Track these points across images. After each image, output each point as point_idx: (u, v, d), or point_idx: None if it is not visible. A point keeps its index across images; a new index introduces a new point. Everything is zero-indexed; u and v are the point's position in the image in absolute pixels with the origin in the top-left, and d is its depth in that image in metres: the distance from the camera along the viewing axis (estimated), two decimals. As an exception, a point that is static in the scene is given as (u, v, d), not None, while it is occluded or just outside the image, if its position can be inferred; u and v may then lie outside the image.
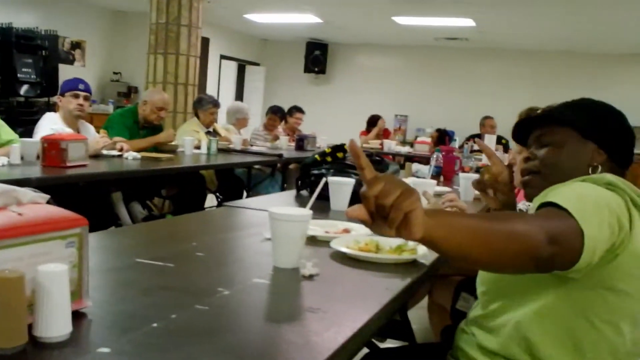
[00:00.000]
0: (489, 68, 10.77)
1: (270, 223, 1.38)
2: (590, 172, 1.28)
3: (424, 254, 1.54)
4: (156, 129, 4.41)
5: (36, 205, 0.99)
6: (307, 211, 1.39)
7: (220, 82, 11.07)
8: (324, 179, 1.54)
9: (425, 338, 2.99)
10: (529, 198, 1.35)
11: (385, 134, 8.37)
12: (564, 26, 8.23)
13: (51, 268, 0.88)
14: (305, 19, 8.87)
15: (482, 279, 1.36)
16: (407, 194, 0.84)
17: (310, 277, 1.31)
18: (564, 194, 1.10)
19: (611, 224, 1.06)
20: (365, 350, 1.68)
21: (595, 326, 1.14)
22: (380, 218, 0.85)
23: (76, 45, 8.60)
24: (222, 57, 10.99)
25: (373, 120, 8.28)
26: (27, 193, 0.99)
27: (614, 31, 8.28)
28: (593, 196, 1.10)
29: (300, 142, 6.01)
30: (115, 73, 9.30)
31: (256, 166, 5.44)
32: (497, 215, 1.11)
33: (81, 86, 3.69)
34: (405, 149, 7.19)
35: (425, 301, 2.76)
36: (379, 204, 0.84)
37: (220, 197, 5.33)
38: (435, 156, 3.47)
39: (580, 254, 1.00)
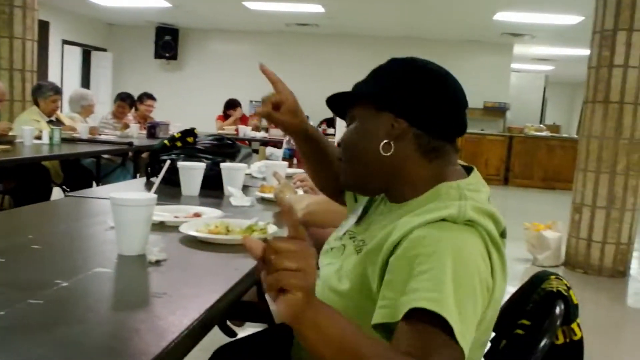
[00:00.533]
0: (339, 53, 11.10)
1: (112, 209, 1.32)
2: (381, 150, 1.09)
3: (274, 232, 1.56)
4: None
5: None
6: (150, 195, 1.34)
7: (64, 68, 10.38)
8: (167, 161, 1.49)
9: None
10: (342, 186, 1.24)
11: (243, 120, 8.34)
12: (404, 13, 8.67)
13: None
14: (154, 2, 8.56)
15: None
16: (302, 275, 0.77)
17: (157, 262, 1.28)
18: (434, 280, 0.90)
19: (483, 300, 0.96)
20: (223, 340, 1.67)
21: None
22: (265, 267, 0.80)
23: None
24: (65, 42, 10.31)
25: (231, 104, 8.21)
26: None
27: (452, 19, 8.87)
28: (467, 277, 0.92)
29: (152, 129, 5.81)
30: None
31: (105, 156, 5.18)
32: (378, 350, 0.84)
33: None
34: (261, 134, 7.21)
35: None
36: (270, 259, 0.79)
37: (68, 189, 5.02)
38: (287, 139, 3.51)
39: None
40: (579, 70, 11.19)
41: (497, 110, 11.50)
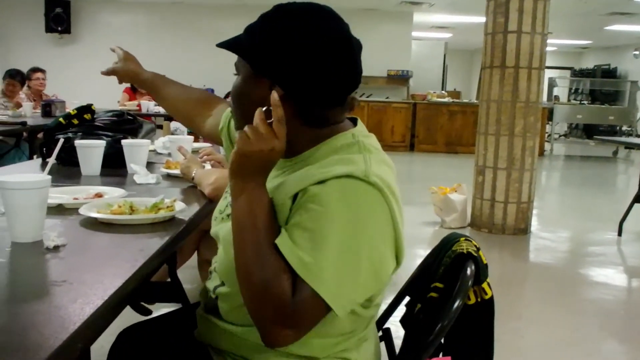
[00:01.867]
0: (236, 24, 10.77)
1: (1, 194, 1.21)
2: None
3: (182, 209, 1.50)
4: None
5: None
6: (44, 176, 1.25)
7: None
8: (61, 139, 1.39)
9: (198, 297, 2.97)
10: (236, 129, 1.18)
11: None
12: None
13: None
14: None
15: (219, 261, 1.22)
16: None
17: (56, 248, 1.19)
18: (315, 243, 0.96)
19: (374, 264, 0.99)
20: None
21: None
22: None
23: None
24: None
25: None
26: None
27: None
28: (355, 244, 0.97)
29: (47, 107, 5.48)
30: None
31: (-4, 137, 4.85)
32: (266, 257, 0.97)
33: None
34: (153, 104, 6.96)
35: (195, 259, 2.73)
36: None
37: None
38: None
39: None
40: (476, 37, 11.61)
41: (400, 78, 11.74)
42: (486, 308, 1.19)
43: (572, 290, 3.76)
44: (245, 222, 1.00)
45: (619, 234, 5.10)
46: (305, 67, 1.02)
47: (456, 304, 1.08)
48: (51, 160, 1.35)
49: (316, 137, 1.09)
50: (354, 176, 0.99)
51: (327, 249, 0.95)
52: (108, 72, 1.81)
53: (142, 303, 2.34)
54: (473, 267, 1.16)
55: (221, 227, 1.20)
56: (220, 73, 10.14)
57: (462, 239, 1.25)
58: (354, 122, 1.16)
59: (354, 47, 1.07)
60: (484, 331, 1.19)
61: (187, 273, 3.19)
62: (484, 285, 1.18)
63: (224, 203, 1.26)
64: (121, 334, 1.38)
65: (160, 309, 2.86)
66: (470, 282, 1.14)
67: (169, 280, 2.32)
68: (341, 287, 0.96)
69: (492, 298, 1.20)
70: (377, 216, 1.00)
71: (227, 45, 1.11)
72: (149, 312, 2.47)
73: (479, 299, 1.18)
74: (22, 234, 1.22)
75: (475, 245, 1.23)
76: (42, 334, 0.81)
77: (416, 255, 4.20)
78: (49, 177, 1.25)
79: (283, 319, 0.95)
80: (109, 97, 8.34)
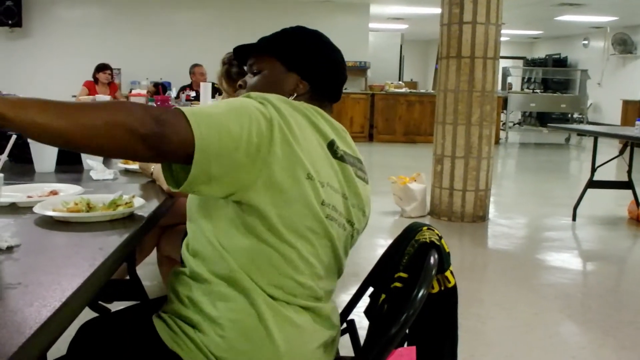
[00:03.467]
0: (191, 16, 10.79)
1: (-50, 194, 1.17)
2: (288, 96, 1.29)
3: (141, 205, 1.47)
4: None
5: None
6: (-6, 176, 1.20)
7: None
8: (13, 136, 1.34)
9: (159, 293, 2.93)
10: None
11: (112, 87, 7.88)
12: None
13: None
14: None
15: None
16: None
17: (9, 249, 1.15)
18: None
19: (241, 124, 1.08)
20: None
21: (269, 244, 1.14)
22: None
23: None
24: None
25: (102, 67, 7.73)
26: None
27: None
28: (225, 103, 1.13)
29: (-3, 103, 5.30)
30: None
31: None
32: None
33: None
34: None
35: (154, 256, 2.69)
36: None
37: None
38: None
39: (191, 141, 1.02)
40: (431, 28, 11.71)
41: (358, 70, 11.77)
42: (450, 296, 1.20)
43: (531, 275, 3.85)
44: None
45: (574, 218, 5.24)
46: (323, 67, 1.35)
47: (421, 293, 1.09)
48: (3, 158, 1.30)
49: None
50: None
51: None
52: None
53: (100, 302, 2.29)
54: (436, 255, 1.17)
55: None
56: (174, 67, 10.03)
57: (425, 228, 1.26)
58: None
59: (344, 60, 1.41)
60: (448, 319, 1.21)
61: (147, 270, 3.14)
62: (447, 273, 1.20)
63: None
64: (82, 328, 1.35)
65: (118, 308, 2.82)
66: (434, 271, 1.14)
67: (127, 278, 2.28)
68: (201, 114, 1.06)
69: (455, 286, 1.21)
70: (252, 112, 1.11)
71: (257, 46, 1.35)
72: (108, 311, 2.42)
73: (442, 288, 1.20)
74: (-27, 235, 1.17)
75: (438, 234, 1.24)
76: (-3, 339, 0.77)
77: (377, 245, 4.23)
78: (1, 175, 1.21)
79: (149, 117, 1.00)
80: (62, 92, 8.14)
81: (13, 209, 1.47)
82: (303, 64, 1.32)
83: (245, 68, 1.40)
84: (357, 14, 11.65)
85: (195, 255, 1.21)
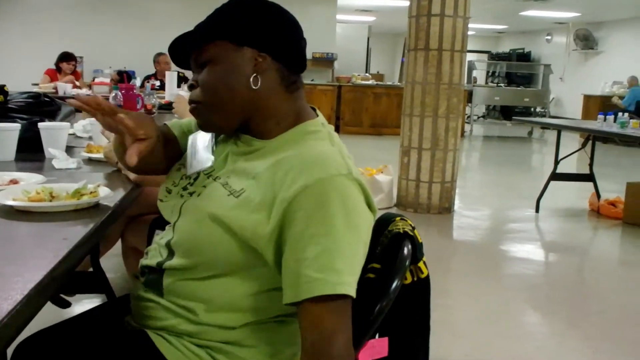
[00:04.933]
0: (161, 4, 10.61)
1: None
2: (251, 84, 1.10)
3: (106, 195, 1.42)
4: None
5: None
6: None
7: None
8: (-29, 122, 1.28)
9: (124, 286, 2.88)
10: (203, 128, 1.18)
11: (76, 76, 7.69)
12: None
13: None
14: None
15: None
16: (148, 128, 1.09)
17: (-32, 240, 1.10)
18: (327, 254, 0.97)
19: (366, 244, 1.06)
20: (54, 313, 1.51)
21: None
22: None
23: None
24: None
25: (65, 57, 7.52)
26: None
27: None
28: (356, 230, 1.02)
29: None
30: None
31: None
32: None
33: None
34: (84, 91, 6.69)
35: (118, 249, 2.63)
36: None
37: None
38: (114, 94, 3.27)
39: None
40: (399, 21, 11.75)
41: (325, 61, 11.75)
42: (422, 287, 1.19)
43: (496, 266, 3.90)
44: None
45: (537, 210, 5.34)
46: (281, 30, 1.13)
47: (394, 284, 1.08)
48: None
49: (291, 114, 1.14)
50: (342, 174, 1.02)
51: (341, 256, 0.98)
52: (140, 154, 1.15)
53: (62, 295, 2.23)
54: (410, 246, 1.16)
55: (183, 202, 1.17)
56: (138, 55, 9.84)
57: (398, 218, 1.25)
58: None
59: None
60: (420, 310, 1.20)
61: (110, 262, 3.08)
62: (420, 264, 1.19)
63: (178, 175, 1.24)
64: (21, 345, 1.23)
65: (81, 301, 2.75)
66: (407, 262, 1.14)
67: (91, 270, 2.22)
68: (352, 270, 1.00)
69: (428, 277, 1.20)
70: (364, 213, 1.05)
71: (197, 34, 1.14)
72: (68, 304, 2.36)
73: (415, 278, 1.19)
74: None
75: (411, 225, 1.23)
76: (-45, 333, 0.74)
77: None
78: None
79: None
80: (23, 79, 7.92)
81: (-30, 198, 1.41)
82: (257, 33, 1.11)
83: (191, 68, 1.19)
84: (325, 5, 11.62)
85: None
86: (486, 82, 16.54)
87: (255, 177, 1.07)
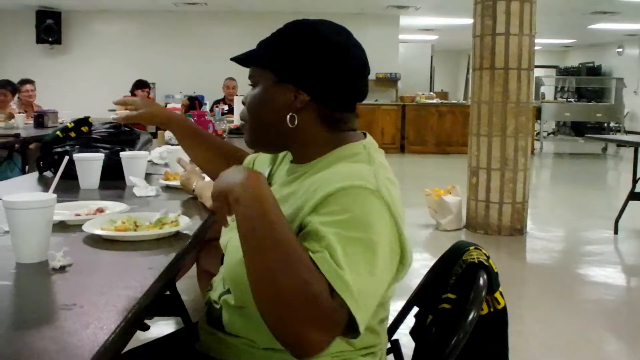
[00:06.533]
0: (228, 31, 10.92)
1: (6, 214, 1.19)
2: (289, 121, 1.10)
3: (186, 224, 1.48)
4: None
5: None
6: (49, 195, 1.23)
7: None
8: (66, 157, 1.37)
9: (197, 307, 2.95)
10: (248, 145, 1.21)
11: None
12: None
13: None
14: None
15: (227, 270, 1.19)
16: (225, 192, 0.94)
17: (62, 268, 1.17)
18: (340, 249, 0.93)
19: (388, 262, 1.00)
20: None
21: None
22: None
23: None
24: None
25: (140, 84, 7.88)
26: None
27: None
28: (371, 244, 0.96)
29: (40, 118, 5.45)
30: None
31: (-12, 150, 4.81)
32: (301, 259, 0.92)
33: None
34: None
35: (193, 270, 2.71)
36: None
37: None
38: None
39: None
40: (461, 39, 11.64)
41: (388, 81, 11.77)
42: (499, 318, 1.18)
43: (573, 291, 3.77)
44: (264, 232, 0.92)
45: (615, 232, 5.12)
46: (326, 71, 1.09)
47: (471, 316, 1.08)
48: (56, 178, 1.33)
49: (331, 143, 1.12)
50: (367, 188, 0.98)
51: (356, 266, 0.93)
52: (129, 118, 1.67)
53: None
54: (485, 276, 1.15)
55: (230, 238, 1.19)
56: (207, 80, 10.13)
57: (472, 247, 1.24)
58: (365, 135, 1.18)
59: (363, 55, 1.15)
60: (497, 341, 1.19)
61: (185, 284, 3.16)
62: (497, 294, 1.18)
63: None
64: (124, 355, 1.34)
65: (156, 322, 2.84)
66: (483, 292, 1.13)
67: (167, 293, 2.29)
68: (366, 307, 0.94)
69: (505, 307, 1.19)
70: (388, 229, 0.99)
71: (246, 58, 1.15)
72: (147, 327, 2.43)
73: (491, 309, 1.18)
74: (28, 254, 1.20)
75: (485, 254, 1.23)
76: (58, 362, 0.79)
77: (413, 259, 4.19)
78: (55, 195, 1.23)
79: (321, 320, 0.89)
80: (99, 106, 8.30)
81: (62, 227, 1.50)
82: (295, 70, 1.09)
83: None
84: (387, 25, 11.67)
85: None
86: (555, 98, 16.11)
87: (287, 201, 1.08)
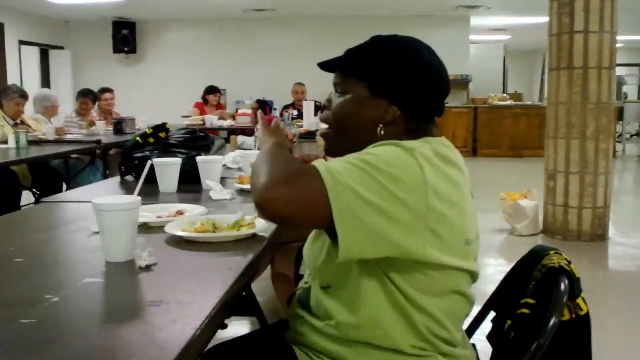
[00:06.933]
0: (298, 36, 11.04)
1: (96, 215, 1.26)
2: (379, 131, 1.17)
3: (262, 227, 1.52)
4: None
5: None
6: (135, 197, 1.29)
7: (22, 69, 10.08)
8: (149, 162, 1.45)
9: (271, 309, 3.00)
10: (328, 152, 1.28)
11: (219, 107, 8.26)
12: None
13: None
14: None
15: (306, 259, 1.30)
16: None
17: (148, 267, 1.23)
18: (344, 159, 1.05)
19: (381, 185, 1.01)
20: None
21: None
22: None
23: None
24: (21, 42, 10.01)
25: (212, 90, 8.12)
26: None
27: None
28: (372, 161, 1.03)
29: (118, 125, 5.69)
30: None
31: (73, 155, 5.06)
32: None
33: None
34: (228, 123, 7.12)
35: (268, 271, 2.76)
36: None
37: (37, 192, 4.88)
38: (258, 127, 3.45)
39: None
40: (536, 38, 11.34)
41: (459, 83, 11.56)
42: (582, 324, 1.15)
43: (657, 299, 3.59)
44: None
45: (703, 238, 4.85)
46: (421, 89, 1.17)
47: (552, 321, 1.05)
48: (140, 182, 1.39)
49: None
50: (400, 145, 1.06)
51: (348, 169, 1.01)
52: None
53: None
54: (567, 281, 1.13)
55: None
56: (277, 85, 10.29)
57: (552, 252, 1.22)
58: None
59: (444, 71, 1.23)
60: (580, 349, 1.16)
61: (260, 286, 3.23)
62: (579, 300, 1.15)
63: None
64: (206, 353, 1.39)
65: (232, 322, 2.91)
66: (564, 298, 1.10)
67: (243, 293, 2.35)
68: (339, 184, 1.00)
69: (587, 314, 1.16)
70: (409, 178, 1.02)
71: (335, 65, 1.23)
72: (225, 325, 2.50)
73: (573, 315, 1.15)
74: (116, 253, 1.26)
75: (566, 259, 1.20)
76: (149, 355, 0.83)
77: (487, 264, 4.11)
78: (139, 198, 1.30)
79: (286, 175, 1.02)
80: (173, 113, 8.59)
81: (145, 228, 1.56)
82: (391, 87, 1.17)
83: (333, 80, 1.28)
84: (458, 26, 11.47)
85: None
86: (639, 98, 15.39)
87: None
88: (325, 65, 1.24)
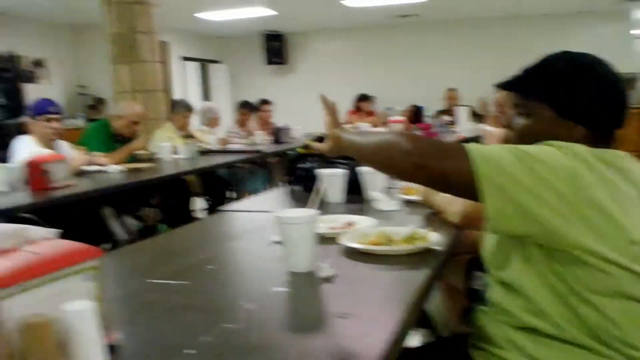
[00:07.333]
0: (443, 40, 10.84)
1: (280, 227, 1.34)
2: None
3: (437, 240, 1.52)
4: (131, 139, 4.33)
5: (48, 242, 0.95)
6: (314, 211, 1.36)
7: (186, 83, 10.93)
8: (321, 179, 1.50)
9: (441, 322, 2.98)
10: None
11: (370, 115, 8.41)
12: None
13: (78, 306, 0.83)
14: (259, 12, 8.81)
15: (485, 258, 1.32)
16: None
17: (328, 279, 1.28)
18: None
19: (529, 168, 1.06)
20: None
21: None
22: None
23: (37, 63, 8.34)
24: (184, 58, 10.85)
25: (364, 97, 8.31)
26: (37, 231, 0.95)
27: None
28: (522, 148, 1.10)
29: (277, 134, 5.99)
30: (80, 86, 9.07)
31: (237, 164, 5.41)
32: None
33: (52, 108, 3.59)
34: (379, 129, 7.18)
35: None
36: None
37: (211, 199, 5.26)
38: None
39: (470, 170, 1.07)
40: None
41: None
42: None
43: None
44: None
45: None
46: (607, 109, 1.20)
47: None
48: (318, 199, 1.47)
49: None
50: (556, 145, 1.11)
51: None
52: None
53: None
54: None
55: None
56: (426, 90, 10.18)
57: None
58: None
59: (622, 81, 1.23)
60: None
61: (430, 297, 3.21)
62: None
63: None
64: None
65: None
66: None
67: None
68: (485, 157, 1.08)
69: None
70: (562, 172, 1.05)
71: (515, 87, 1.26)
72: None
73: None
74: (299, 264, 1.34)
75: None
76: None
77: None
78: (318, 211, 1.36)
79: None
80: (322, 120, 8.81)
81: (320, 239, 1.62)
82: (577, 109, 1.18)
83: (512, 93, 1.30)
84: (615, 21, 10.62)
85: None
86: None
87: None
88: (504, 86, 1.27)
